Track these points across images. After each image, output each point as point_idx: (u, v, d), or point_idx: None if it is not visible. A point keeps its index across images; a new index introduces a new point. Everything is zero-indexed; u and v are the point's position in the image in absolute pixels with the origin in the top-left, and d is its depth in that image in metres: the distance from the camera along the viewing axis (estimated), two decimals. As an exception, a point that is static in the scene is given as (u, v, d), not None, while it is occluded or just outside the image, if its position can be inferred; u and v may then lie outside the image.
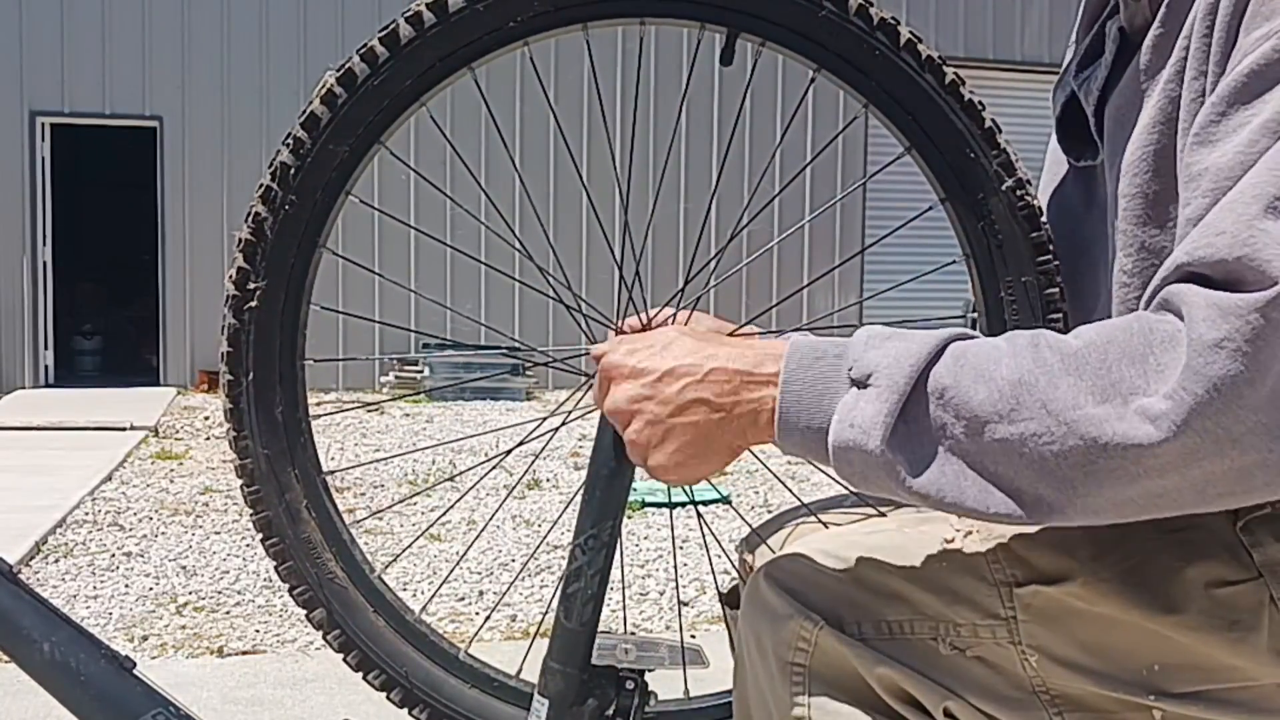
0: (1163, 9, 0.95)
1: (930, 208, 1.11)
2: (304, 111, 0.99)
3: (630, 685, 1.05)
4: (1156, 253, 0.94)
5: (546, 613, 3.04)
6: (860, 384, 0.83)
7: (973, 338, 0.85)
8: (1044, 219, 1.03)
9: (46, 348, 10.98)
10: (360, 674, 1.09)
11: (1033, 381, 0.78)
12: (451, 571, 4.29)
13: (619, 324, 1.08)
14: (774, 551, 1.07)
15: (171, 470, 6.54)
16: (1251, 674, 0.90)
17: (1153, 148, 0.94)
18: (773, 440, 0.86)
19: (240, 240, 1.00)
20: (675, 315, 1.07)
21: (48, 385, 10.85)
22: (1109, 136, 1.01)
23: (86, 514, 5.30)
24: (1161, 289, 0.80)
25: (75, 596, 4.01)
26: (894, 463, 0.81)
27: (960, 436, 0.80)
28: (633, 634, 1.05)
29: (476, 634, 3.49)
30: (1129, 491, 0.77)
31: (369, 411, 8.92)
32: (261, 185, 0.99)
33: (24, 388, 10.66)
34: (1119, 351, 0.77)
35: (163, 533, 5.01)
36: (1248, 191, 0.77)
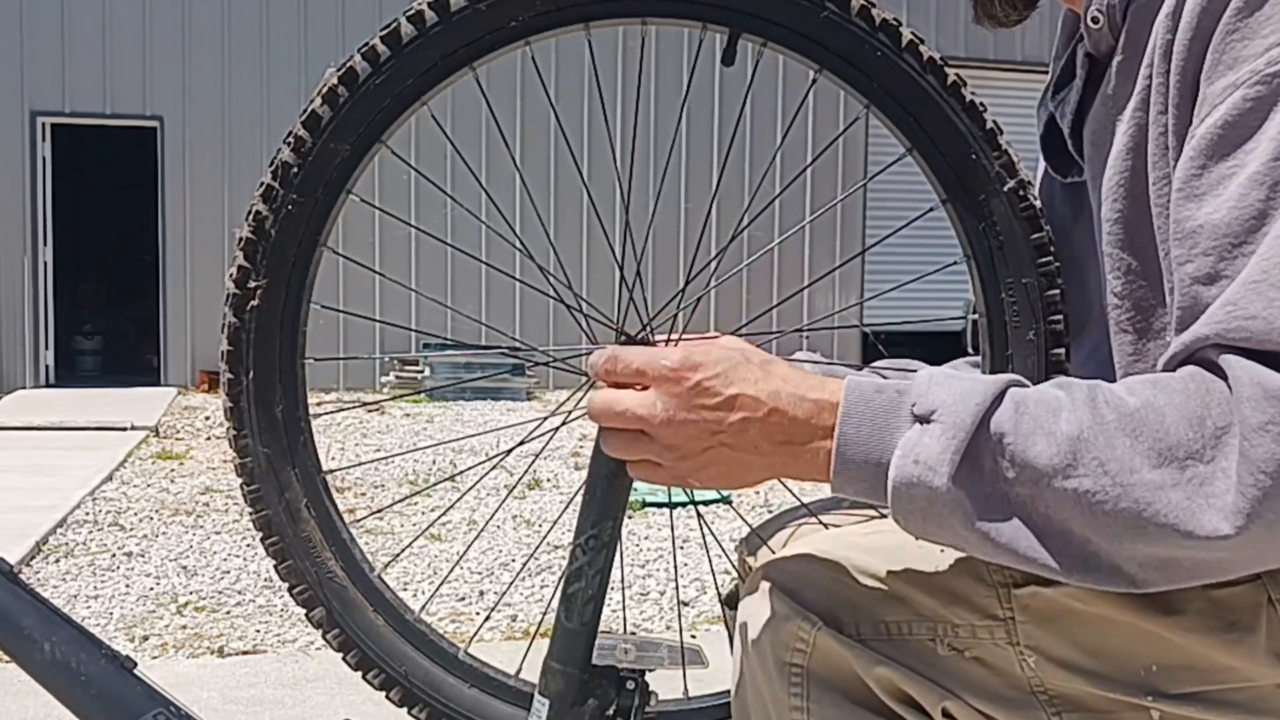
0: (1123, 36, 0.96)
1: (931, 209, 1.11)
2: (305, 110, 0.99)
3: (631, 685, 1.05)
4: (1141, 275, 0.95)
5: (547, 612, 3.04)
6: (923, 420, 0.83)
7: (1026, 385, 0.85)
8: (1045, 221, 1.03)
9: (47, 348, 10.98)
10: (359, 673, 1.09)
11: (1091, 439, 0.79)
12: (451, 571, 4.29)
13: (620, 324, 1.08)
14: (774, 552, 1.07)
15: (172, 470, 6.54)
16: (1249, 675, 0.90)
17: (1127, 174, 0.95)
18: (826, 478, 0.85)
19: (241, 239, 1.00)
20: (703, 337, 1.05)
21: (48, 385, 10.86)
22: (1088, 159, 1.02)
23: (87, 514, 5.30)
24: (1195, 351, 0.81)
25: (76, 596, 4.01)
26: (959, 500, 0.81)
27: (1016, 484, 0.80)
28: (633, 634, 1.05)
29: (476, 633, 3.49)
30: (1175, 553, 0.78)
31: (369, 411, 8.92)
32: (262, 184, 0.99)
33: (24, 388, 10.66)
34: (1176, 414, 0.78)
35: (163, 533, 5.01)
36: (1273, 272, 0.78)
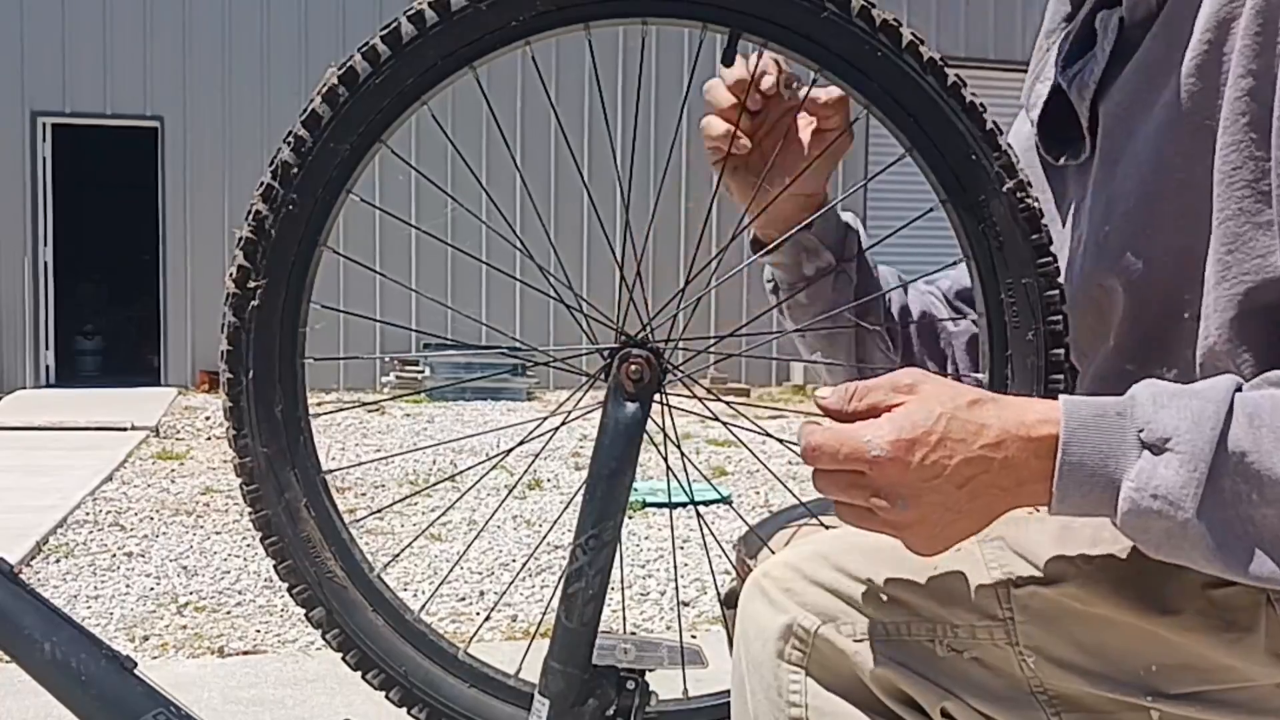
0: (1169, 1, 0.93)
1: (931, 209, 1.11)
2: (305, 109, 0.99)
3: (631, 685, 1.05)
4: (1177, 253, 0.94)
5: (547, 612, 3.04)
6: (1155, 448, 0.80)
7: (1242, 388, 0.82)
8: (1044, 221, 1.03)
9: (47, 348, 10.99)
10: (359, 673, 1.09)
11: None
12: (451, 571, 4.29)
13: (620, 324, 1.08)
14: (773, 552, 1.07)
15: (172, 470, 6.55)
16: (1248, 674, 0.90)
17: (1173, 145, 0.92)
18: (1045, 503, 0.83)
19: (241, 238, 1.00)
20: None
21: (48, 385, 10.86)
22: (1107, 133, 1.00)
23: (87, 514, 5.30)
24: None
25: (76, 596, 4.01)
26: (1202, 532, 0.79)
27: (1263, 505, 0.79)
28: (633, 634, 1.05)
29: (476, 633, 3.49)
30: None
31: (369, 411, 8.92)
32: (262, 183, 0.99)
33: (25, 388, 10.66)
34: None
35: (163, 533, 5.01)
36: None
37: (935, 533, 0.83)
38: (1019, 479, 0.82)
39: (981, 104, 1.01)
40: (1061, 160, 1.07)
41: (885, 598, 0.93)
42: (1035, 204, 1.01)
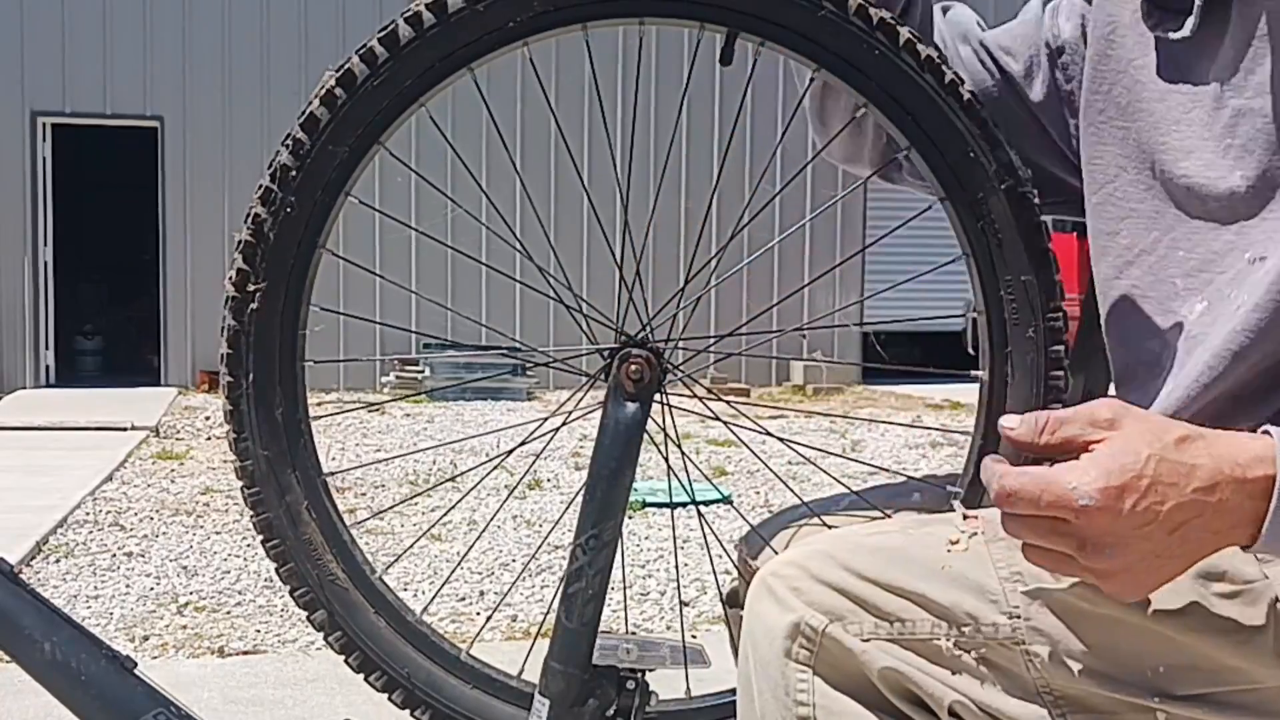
0: None
1: (930, 207, 1.11)
2: (303, 112, 0.99)
3: (631, 685, 1.05)
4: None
5: (548, 613, 3.05)
6: None
7: None
8: (1043, 219, 1.03)
9: (47, 348, 10.99)
10: (361, 675, 1.09)
11: None
12: (453, 572, 4.29)
13: (619, 325, 1.08)
14: (776, 552, 1.07)
15: (172, 470, 6.55)
16: (1256, 676, 0.89)
17: None
18: (1245, 543, 0.80)
19: (240, 241, 1.00)
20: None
21: (48, 385, 10.87)
22: (1244, 20, 0.94)
23: (87, 514, 5.30)
24: None
25: (76, 596, 4.01)
26: None
27: None
28: (633, 634, 1.05)
29: (478, 634, 3.49)
30: None
31: (370, 412, 8.92)
32: (261, 186, 0.99)
33: (25, 388, 10.67)
34: None
35: (163, 533, 5.01)
36: None
37: (1140, 579, 0.81)
38: (1231, 522, 0.79)
39: (979, 101, 1.01)
40: (1163, 30, 1.01)
41: (892, 597, 0.93)
42: (1035, 201, 1.02)
